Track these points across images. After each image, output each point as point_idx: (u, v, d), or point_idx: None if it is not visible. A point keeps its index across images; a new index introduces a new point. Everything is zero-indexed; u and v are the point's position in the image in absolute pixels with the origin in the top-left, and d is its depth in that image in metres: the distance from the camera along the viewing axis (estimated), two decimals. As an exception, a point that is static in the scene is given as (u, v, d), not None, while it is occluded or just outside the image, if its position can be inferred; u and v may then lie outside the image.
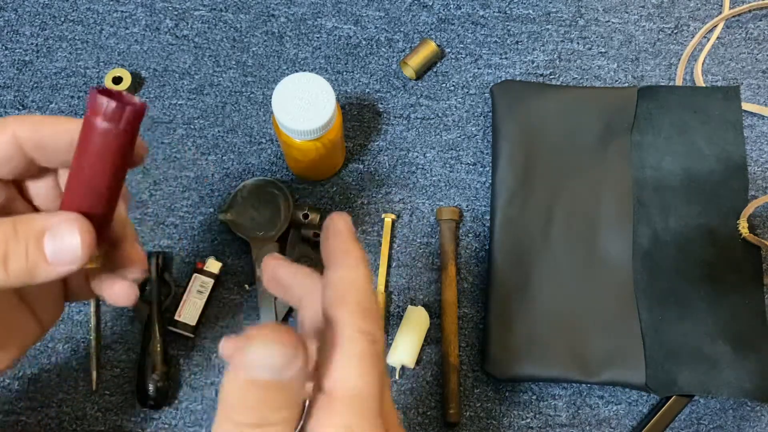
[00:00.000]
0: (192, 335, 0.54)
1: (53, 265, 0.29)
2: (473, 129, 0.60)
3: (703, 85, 0.61)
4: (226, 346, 0.27)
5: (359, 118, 0.61)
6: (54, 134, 0.31)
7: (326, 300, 0.29)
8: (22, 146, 0.31)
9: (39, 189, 0.34)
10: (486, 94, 0.61)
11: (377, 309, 0.29)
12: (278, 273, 0.33)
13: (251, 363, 0.25)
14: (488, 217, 0.58)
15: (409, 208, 0.58)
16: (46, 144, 0.31)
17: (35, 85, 0.61)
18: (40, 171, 0.33)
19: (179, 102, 0.61)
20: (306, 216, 0.55)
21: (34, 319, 0.36)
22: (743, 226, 0.55)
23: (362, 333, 0.27)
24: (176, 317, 0.54)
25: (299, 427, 0.27)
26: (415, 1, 0.64)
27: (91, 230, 0.29)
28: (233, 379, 0.25)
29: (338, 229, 0.31)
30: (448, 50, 0.62)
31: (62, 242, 0.28)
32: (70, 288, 0.37)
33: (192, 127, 0.60)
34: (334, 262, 0.30)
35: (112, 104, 0.27)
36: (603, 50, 0.63)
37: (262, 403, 0.25)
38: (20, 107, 0.60)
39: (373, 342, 0.27)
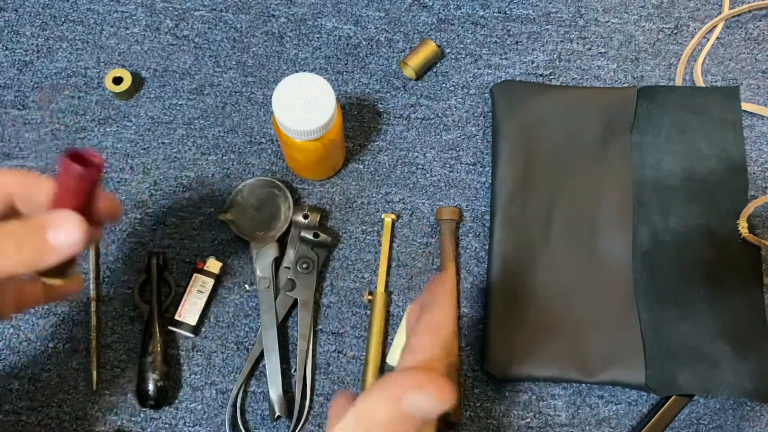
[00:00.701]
0: (192, 335, 0.54)
1: (57, 249, 0.35)
2: (473, 129, 0.60)
3: (703, 85, 0.62)
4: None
5: (359, 118, 0.61)
6: (39, 193, 0.38)
7: (414, 330, 0.40)
8: (10, 201, 0.38)
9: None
10: (486, 94, 0.61)
11: (446, 363, 0.39)
12: (435, 288, 0.43)
13: (413, 403, 0.35)
14: (488, 217, 0.58)
15: (409, 208, 0.58)
16: (29, 195, 0.38)
17: (35, 85, 0.61)
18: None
19: (179, 102, 0.61)
20: (306, 216, 0.55)
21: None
22: (743, 226, 0.55)
23: (420, 382, 0.36)
24: (176, 317, 0.54)
25: None
26: (415, 1, 0.64)
27: (84, 220, 0.35)
28: (389, 402, 0.35)
29: (446, 281, 0.42)
30: (448, 50, 0.63)
31: (65, 229, 0.35)
32: (24, 296, 0.43)
33: (192, 127, 0.60)
34: (430, 306, 0.41)
35: (77, 168, 0.34)
36: (603, 50, 0.63)
37: (399, 427, 0.35)
38: (20, 107, 0.60)
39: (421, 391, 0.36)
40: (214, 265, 0.55)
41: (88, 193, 0.36)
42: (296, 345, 0.54)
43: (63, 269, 0.38)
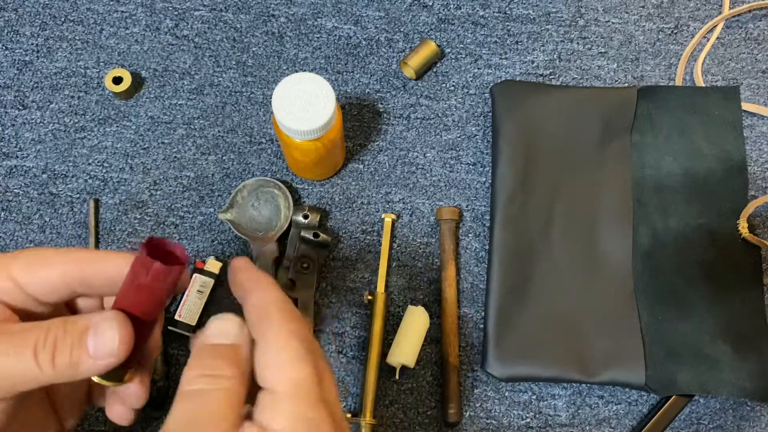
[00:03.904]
0: (192, 335, 0.54)
1: (94, 358, 0.32)
2: (473, 129, 0.60)
3: (703, 85, 0.62)
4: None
5: (359, 118, 0.61)
6: (97, 273, 0.34)
7: (252, 322, 0.34)
8: (70, 283, 0.34)
9: (85, 304, 0.38)
10: (486, 94, 0.61)
11: (300, 314, 0.34)
12: (238, 278, 0.36)
13: (210, 332, 0.33)
14: (488, 217, 0.58)
15: (409, 208, 0.58)
16: (90, 282, 0.35)
17: (35, 85, 0.61)
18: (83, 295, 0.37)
19: (179, 102, 0.61)
20: (306, 216, 0.55)
21: (56, 419, 0.39)
22: (743, 226, 0.55)
23: (291, 333, 0.32)
24: (176, 317, 0.54)
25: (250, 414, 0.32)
26: (415, 1, 0.64)
27: (128, 326, 0.32)
28: (201, 341, 0.33)
29: (240, 265, 0.36)
30: (448, 50, 0.63)
31: (103, 337, 0.32)
32: (92, 395, 0.40)
33: (192, 127, 0.60)
34: (248, 291, 0.35)
35: (158, 266, 0.31)
36: (603, 50, 0.63)
37: (217, 359, 0.32)
38: (20, 107, 0.60)
39: (302, 340, 0.32)
40: (214, 265, 0.55)
41: (159, 297, 0.32)
42: (296, 345, 0.54)
43: (117, 371, 0.34)
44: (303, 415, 0.30)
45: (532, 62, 0.62)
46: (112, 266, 0.34)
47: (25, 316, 0.35)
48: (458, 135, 0.60)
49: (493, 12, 0.64)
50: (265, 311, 0.33)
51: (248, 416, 0.32)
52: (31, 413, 0.37)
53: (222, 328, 0.33)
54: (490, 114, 0.60)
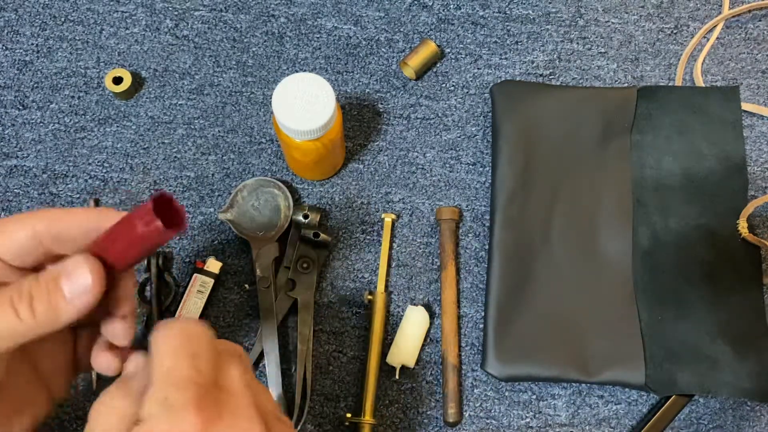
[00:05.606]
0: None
1: (71, 302, 0.32)
2: (473, 129, 0.60)
3: (703, 85, 0.62)
4: None
5: (359, 118, 0.61)
6: (69, 227, 0.34)
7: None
8: (41, 240, 0.34)
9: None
10: (486, 94, 0.61)
11: (183, 324, 0.34)
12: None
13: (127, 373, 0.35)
14: (488, 217, 0.58)
15: (409, 208, 0.58)
16: (62, 236, 0.35)
17: (35, 85, 0.61)
18: (56, 257, 0.36)
19: (179, 102, 0.61)
20: (306, 216, 0.55)
21: (46, 391, 0.39)
22: (743, 226, 0.55)
23: (173, 330, 0.32)
24: (176, 317, 0.54)
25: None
26: (415, 1, 0.64)
27: (98, 265, 0.32)
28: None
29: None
30: (448, 50, 0.63)
31: (76, 277, 0.32)
32: (78, 359, 0.40)
33: (192, 127, 0.60)
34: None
35: (158, 224, 0.30)
36: (603, 50, 0.63)
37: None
38: (20, 107, 0.60)
39: (186, 335, 0.32)
40: (214, 265, 0.55)
41: (140, 251, 0.32)
42: (296, 345, 0.54)
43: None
44: (167, 396, 0.30)
45: (532, 62, 0.62)
46: (85, 219, 0.35)
47: None
48: (458, 135, 0.60)
49: (493, 12, 0.64)
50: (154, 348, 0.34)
51: None
52: (18, 388, 0.37)
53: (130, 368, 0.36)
54: (490, 114, 0.60)
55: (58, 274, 0.33)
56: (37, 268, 0.36)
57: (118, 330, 0.37)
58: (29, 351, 0.37)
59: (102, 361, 0.38)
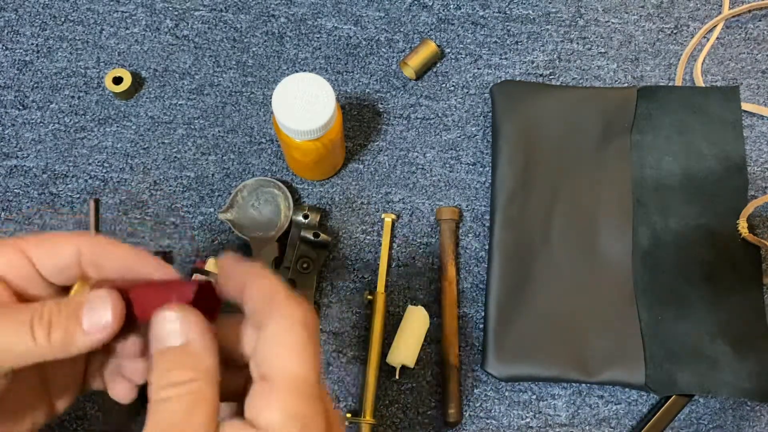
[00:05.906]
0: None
1: (88, 334, 0.32)
2: (473, 129, 0.60)
3: (703, 85, 0.62)
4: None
5: (359, 118, 0.61)
6: (110, 258, 0.35)
7: (254, 311, 0.31)
8: (81, 261, 0.35)
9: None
10: (486, 94, 0.61)
11: (306, 302, 0.31)
12: (232, 271, 0.35)
13: (157, 336, 0.30)
14: (488, 217, 0.58)
15: (409, 208, 0.58)
16: (100, 263, 0.35)
17: (35, 85, 0.61)
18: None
19: (179, 102, 0.61)
20: (306, 216, 0.55)
21: (49, 402, 0.39)
22: (743, 226, 0.55)
23: (296, 320, 0.29)
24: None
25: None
26: (415, 1, 0.64)
27: (121, 303, 0.32)
28: (154, 348, 0.31)
29: (232, 260, 0.33)
30: (448, 50, 0.63)
31: (97, 311, 0.32)
32: (88, 378, 0.40)
33: (192, 127, 0.60)
34: (246, 281, 0.32)
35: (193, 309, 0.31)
36: (603, 50, 0.63)
37: (172, 367, 0.30)
38: (20, 107, 0.60)
39: (306, 327, 0.29)
40: (214, 265, 0.55)
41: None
42: (296, 345, 0.54)
43: None
44: (298, 410, 0.28)
45: (532, 62, 0.62)
46: (126, 255, 0.35)
47: (23, 300, 0.35)
48: (458, 135, 0.60)
49: (493, 12, 0.64)
50: (269, 298, 0.31)
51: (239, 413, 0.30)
52: (22, 394, 0.37)
53: (165, 329, 0.31)
54: (490, 114, 0.60)
55: (80, 305, 0.32)
56: (65, 288, 0.36)
57: (139, 366, 0.37)
58: (40, 363, 0.37)
59: (119, 390, 0.38)
